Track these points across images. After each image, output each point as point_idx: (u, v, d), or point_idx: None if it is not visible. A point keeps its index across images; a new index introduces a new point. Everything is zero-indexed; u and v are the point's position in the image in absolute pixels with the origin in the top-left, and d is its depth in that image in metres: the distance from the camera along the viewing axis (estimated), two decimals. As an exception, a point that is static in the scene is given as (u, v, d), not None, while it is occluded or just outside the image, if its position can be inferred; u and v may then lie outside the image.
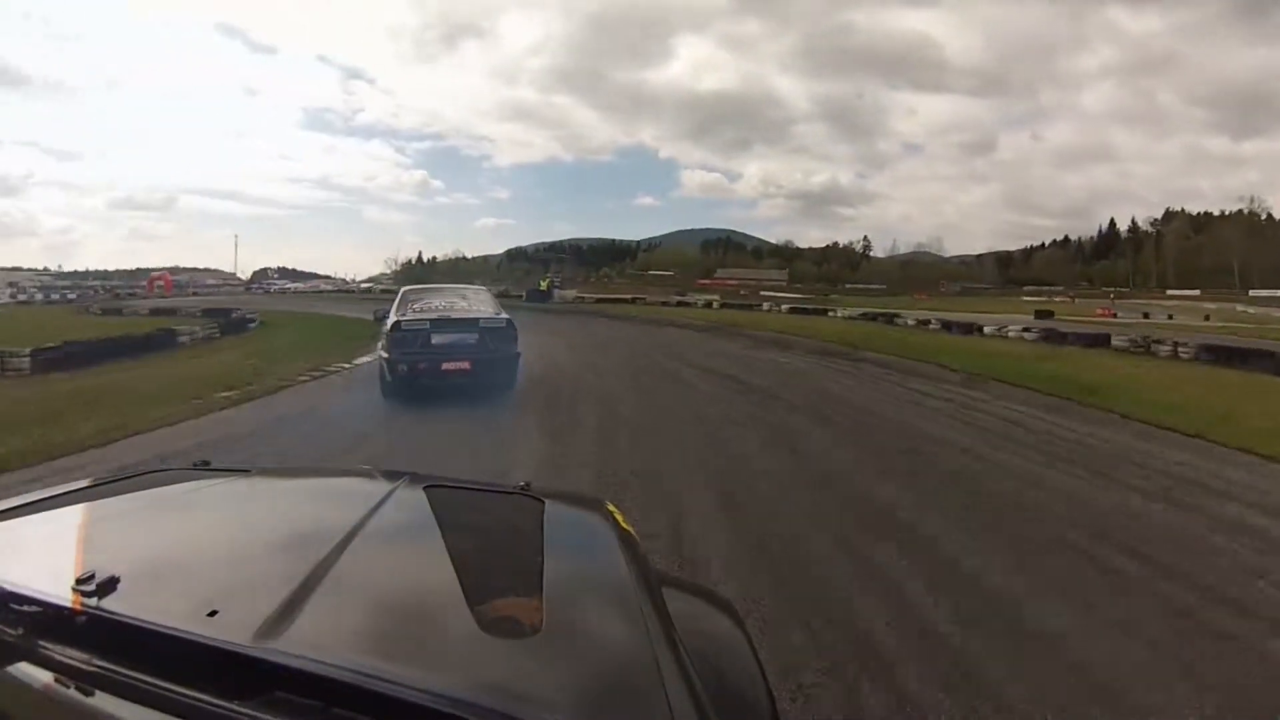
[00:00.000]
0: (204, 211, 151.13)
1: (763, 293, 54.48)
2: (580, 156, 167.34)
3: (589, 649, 0.88)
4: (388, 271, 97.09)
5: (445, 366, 7.60)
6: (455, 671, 0.77)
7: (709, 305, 40.36)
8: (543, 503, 1.30)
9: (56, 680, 0.74)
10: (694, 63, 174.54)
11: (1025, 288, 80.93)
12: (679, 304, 41.62)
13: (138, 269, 68.82)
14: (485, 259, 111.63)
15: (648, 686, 0.76)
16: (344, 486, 1.59)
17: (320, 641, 0.75)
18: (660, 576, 1.14)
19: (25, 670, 0.75)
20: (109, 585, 0.81)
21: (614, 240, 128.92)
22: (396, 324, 7.81)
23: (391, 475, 1.40)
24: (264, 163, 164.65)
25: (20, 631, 0.78)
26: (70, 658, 0.75)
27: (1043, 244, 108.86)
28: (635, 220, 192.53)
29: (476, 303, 8.79)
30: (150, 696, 0.70)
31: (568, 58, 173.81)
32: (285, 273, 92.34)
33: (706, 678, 0.84)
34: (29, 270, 68.78)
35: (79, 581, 0.80)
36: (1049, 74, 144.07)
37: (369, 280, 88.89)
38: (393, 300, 8.72)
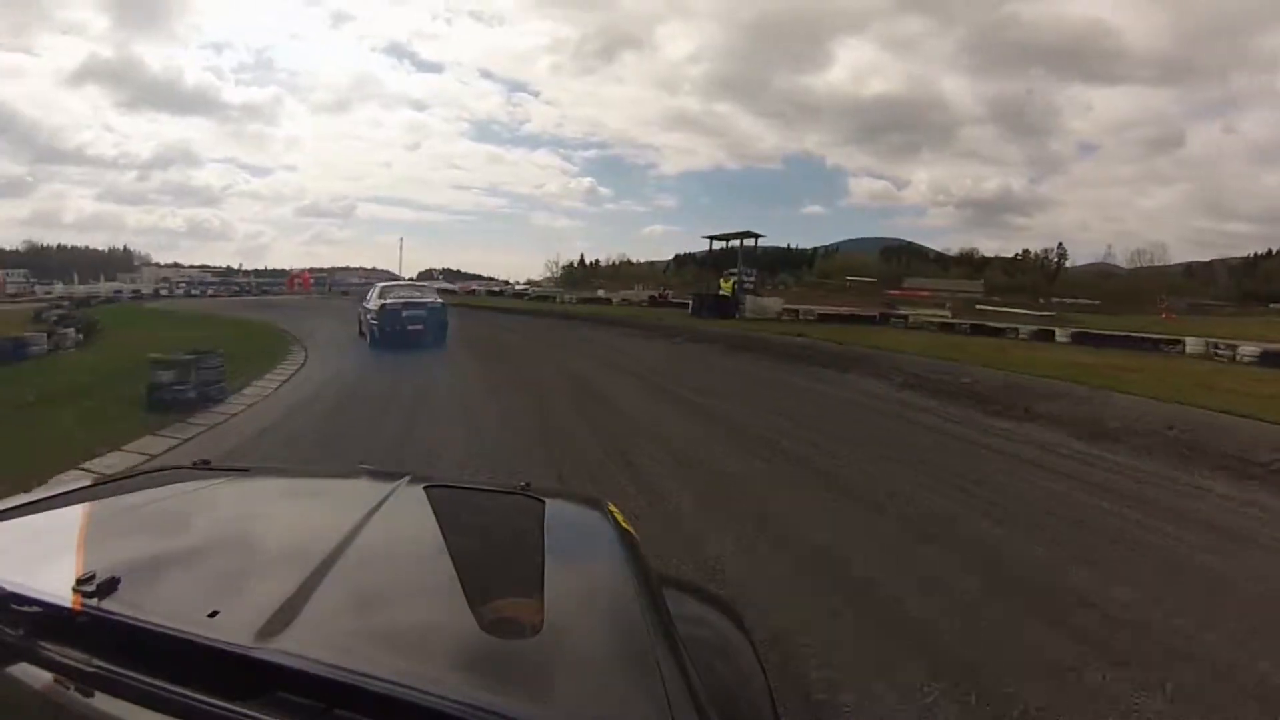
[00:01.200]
0: (379, 218, 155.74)
1: (981, 307, 40.02)
2: (746, 164, 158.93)
3: (589, 649, 0.88)
4: (550, 274, 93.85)
5: (410, 328, 13.58)
6: (455, 671, 0.77)
7: (944, 325, 24.87)
8: (543, 502, 1.30)
9: (56, 680, 0.74)
10: (854, 66, 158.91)
11: (1271, 305, 58.21)
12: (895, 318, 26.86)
13: (312, 268, 69.83)
14: (651, 264, 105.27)
15: (648, 686, 0.76)
16: (344, 486, 1.58)
17: (321, 642, 0.75)
18: (660, 577, 1.12)
19: (25, 670, 0.75)
20: (109, 585, 0.81)
21: (786, 247, 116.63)
22: (383, 305, 13.78)
23: (391, 475, 1.40)
24: (434, 172, 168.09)
25: (20, 631, 0.78)
26: (70, 658, 0.75)
27: (1269, 252, 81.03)
28: (803, 228, 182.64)
29: (427, 294, 15.57)
30: (151, 697, 0.70)
31: (726, 65, 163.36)
32: (449, 274, 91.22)
33: (706, 678, 0.84)
34: (216, 268, 71.70)
35: (79, 582, 0.80)
36: (1243, 54, 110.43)
37: (527, 282, 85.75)
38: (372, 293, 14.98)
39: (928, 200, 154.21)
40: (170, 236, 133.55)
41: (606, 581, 1.06)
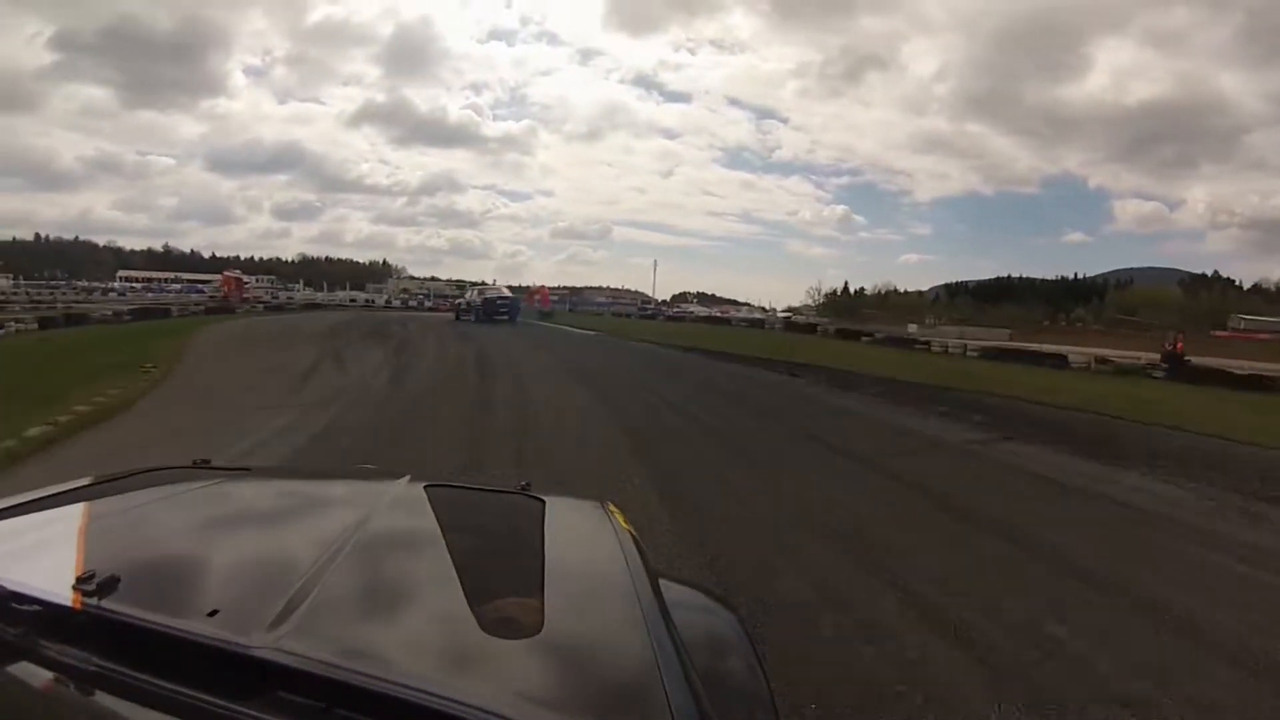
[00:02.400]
0: (633, 241, 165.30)
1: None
2: (1001, 188, 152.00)
3: (589, 649, 0.89)
4: (810, 302, 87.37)
5: (498, 313, 31.02)
6: (455, 671, 0.78)
7: None
8: (543, 503, 1.30)
9: (56, 680, 0.74)
10: (1116, 70, 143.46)
11: None
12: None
13: (562, 286, 75.48)
14: (919, 293, 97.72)
15: (648, 686, 0.76)
16: (344, 486, 1.59)
17: (320, 641, 0.75)
18: (660, 575, 1.11)
19: (25, 669, 0.75)
20: (109, 585, 0.80)
21: (1074, 278, 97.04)
22: (484, 297, 32.73)
23: (392, 475, 1.40)
24: (688, 198, 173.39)
25: (20, 631, 0.78)
26: (70, 657, 0.75)
27: None
28: (1065, 257, 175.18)
29: (504, 291, 35.26)
30: (151, 696, 0.70)
31: (975, 81, 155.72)
32: (703, 298, 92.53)
33: (706, 677, 0.85)
34: (470, 283, 77.80)
35: (79, 581, 0.80)
36: None
37: (787, 310, 79.14)
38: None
39: (1206, 222, 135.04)
40: (435, 254, 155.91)
41: (606, 581, 1.05)
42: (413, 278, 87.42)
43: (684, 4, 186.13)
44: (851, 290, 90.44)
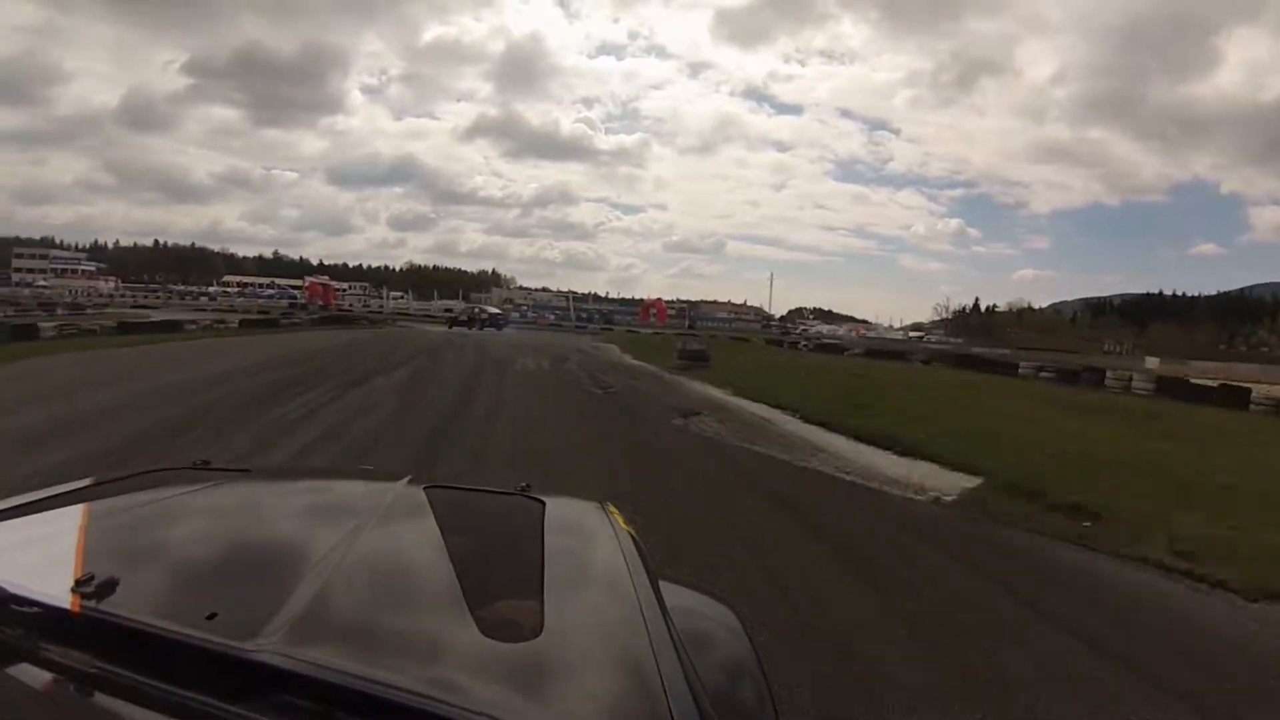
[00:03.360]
0: (747, 255, 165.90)
1: None
2: (1125, 197, 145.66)
3: (589, 651, 0.88)
4: (936, 318, 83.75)
5: (487, 326, 42.35)
6: (455, 673, 0.77)
7: None
8: (543, 504, 1.29)
9: (56, 680, 0.74)
10: (1248, 64, 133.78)
11: None
12: None
13: (680, 299, 76.71)
14: (1055, 311, 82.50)
15: (648, 687, 0.76)
16: (344, 488, 1.59)
17: (320, 644, 0.75)
18: (660, 576, 1.11)
19: (25, 670, 0.75)
20: (108, 587, 0.80)
21: (1242, 292, 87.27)
22: (468, 313, 47.32)
23: (392, 477, 1.40)
24: (801, 211, 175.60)
25: (20, 632, 0.78)
26: (70, 659, 0.75)
27: None
28: (1196, 270, 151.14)
29: (491, 309, 51.31)
30: (150, 699, 0.70)
31: (1095, 83, 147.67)
32: (820, 314, 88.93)
33: (706, 677, 0.85)
34: (580, 294, 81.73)
35: (79, 583, 0.80)
36: None
37: (911, 329, 77.45)
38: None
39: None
40: (548, 266, 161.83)
41: (606, 583, 1.05)
42: (523, 288, 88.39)
43: (792, 14, 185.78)
44: (982, 307, 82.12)
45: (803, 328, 66.69)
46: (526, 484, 1.39)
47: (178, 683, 0.71)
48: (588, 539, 1.26)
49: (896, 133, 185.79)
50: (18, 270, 68.32)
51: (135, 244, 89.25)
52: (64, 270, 69.84)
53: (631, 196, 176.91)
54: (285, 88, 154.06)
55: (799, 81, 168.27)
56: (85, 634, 0.77)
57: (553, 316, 63.43)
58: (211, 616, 0.78)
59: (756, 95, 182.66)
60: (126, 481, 1.35)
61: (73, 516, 1.12)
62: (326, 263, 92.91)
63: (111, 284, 65.81)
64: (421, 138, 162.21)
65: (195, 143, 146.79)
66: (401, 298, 70.01)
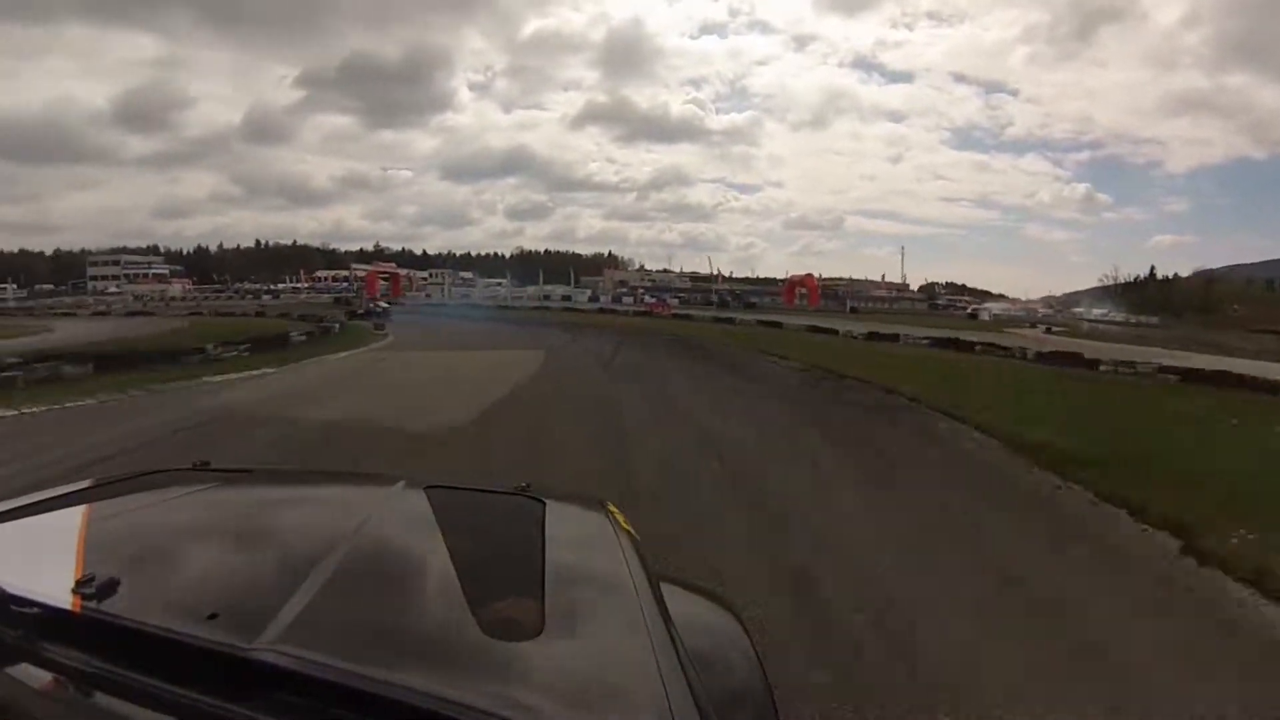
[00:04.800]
0: (867, 230, 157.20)
1: None
2: (1276, 150, 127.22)
3: (589, 650, 0.89)
4: (1097, 285, 72.19)
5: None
6: (456, 673, 0.77)
7: None
8: (543, 504, 1.29)
9: (57, 682, 0.74)
10: None
11: None
12: None
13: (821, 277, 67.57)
14: (1247, 281, 76.12)
15: (648, 687, 0.76)
16: (344, 488, 1.59)
17: (320, 644, 0.75)
18: (660, 576, 1.12)
19: (25, 671, 0.75)
20: (109, 587, 0.80)
21: None
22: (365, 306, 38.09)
23: (391, 477, 1.40)
24: (920, 184, 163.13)
25: (20, 632, 0.78)
26: (70, 659, 0.75)
27: None
28: None
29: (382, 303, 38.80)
30: (150, 699, 0.70)
31: (1234, 22, 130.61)
32: (952, 288, 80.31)
33: (706, 677, 0.84)
34: (701, 275, 76.04)
35: (79, 583, 0.80)
36: None
37: (1041, 301, 66.77)
38: None
39: None
40: (668, 248, 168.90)
41: (606, 582, 1.05)
42: (644, 270, 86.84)
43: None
44: (1159, 275, 69.88)
45: (972, 308, 58.02)
46: (527, 484, 1.38)
47: (178, 683, 0.71)
48: (588, 539, 1.25)
49: (1014, 94, 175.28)
50: (93, 278, 69.66)
51: (239, 245, 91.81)
52: (135, 275, 69.84)
53: (747, 175, 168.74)
54: (394, 91, 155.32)
55: (908, 47, 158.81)
56: (86, 634, 0.77)
57: (676, 301, 55.92)
58: (212, 617, 0.78)
59: (865, 65, 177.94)
60: (126, 482, 1.36)
61: (73, 517, 1.12)
62: (426, 252, 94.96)
63: (179, 286, 65.27)
64: (532, 128, 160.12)
65: (314, 150, 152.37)
66: (500, 284, 66.67)
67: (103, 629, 0.77)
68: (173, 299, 54.94)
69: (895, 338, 26.08)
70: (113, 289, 63.60)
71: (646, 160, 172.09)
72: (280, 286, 66.00)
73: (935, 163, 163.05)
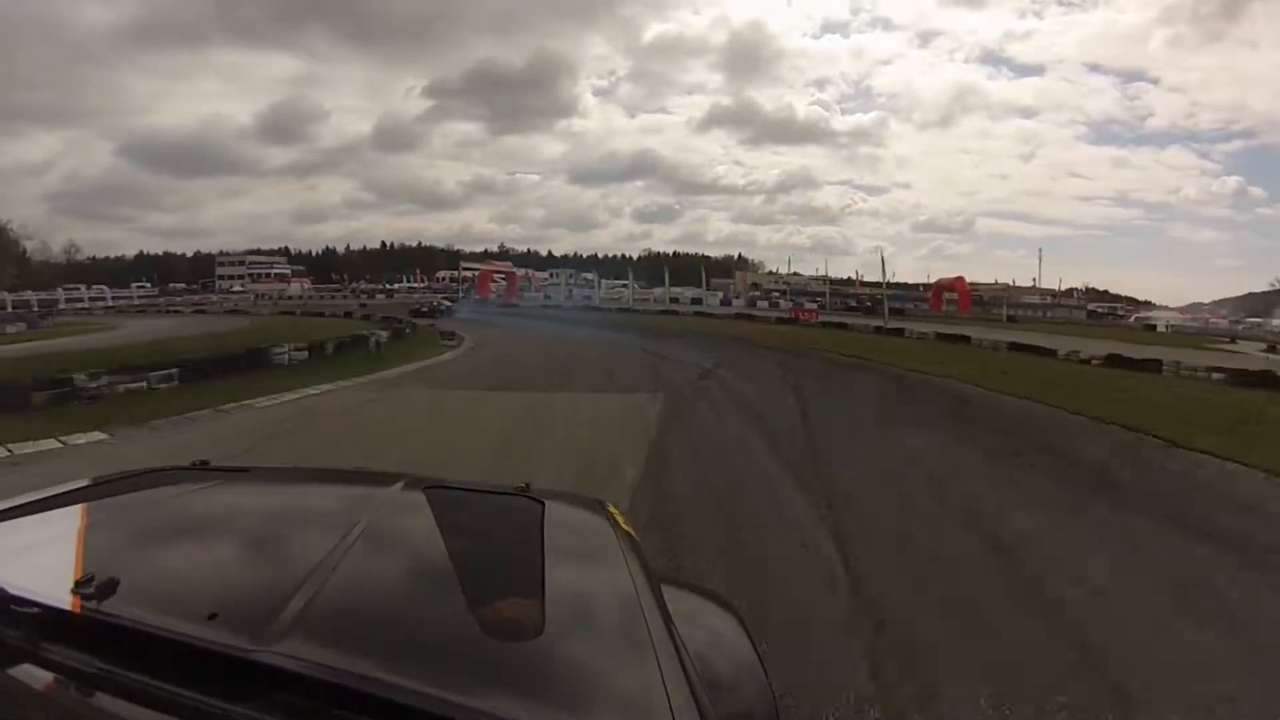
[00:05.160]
0: (998, 232, 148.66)
1: None
2: None
3: (590, 650, 0.88)
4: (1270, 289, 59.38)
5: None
6: (455, 673, 0.76)
7: None
8: (543, 504, 1.28)
9: (56, 681, 0.74)
10: None
11: None
12: None
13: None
14: None
15: (648, 686, 0.75)
16: (344, 488, 1.58)
17: (320, 644, 0.75)
18: (660, 576, 1.11)
19: (25, 671, 0.75)
20: (109, 587, 0.80)
21: None
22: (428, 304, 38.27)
23: (391, 477, 1.39)
24: (1054, 182, 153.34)
25: (20, 632, 0.78)
26: (70, 659, 0.75)
27: None
28: None
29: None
30: (150, 698, 0.70)
31: None
32: (1093, 294, 70.85)
33: (707, 677, 0.84)
34: (836, 280, 69.05)
35: (79, 584, 0.80)
36: None
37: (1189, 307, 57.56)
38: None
39: None
40: (797, 251, 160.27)
41: (606, 582, 1.05)
42: (772, 273, 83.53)
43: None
44: None
45: (1135, 317, 51.96)
46: (527, 484, 1.38)
47: (178, 683, 0.71)
48: (588, 539, 1.25)
49: (1155, 83, 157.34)
50: (221, 277, 71.68)
51: (364, 247, 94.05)
52: (258, 275, 71.17)
53: (874, 177, 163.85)
54: (520, 97, 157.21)
55: (1037, 38, 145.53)
56: (85, 634, 0.77)
57: (814, 306, 50.68)
58: (212, 617, 0.78)
59: (993, 59, 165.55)
60: (126, 481, 1.35)
61: (73, 516, 1.11)
62: (574, 255, 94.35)
63: (297, 285, 66.17)
64: (657, 132, 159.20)
65: (443, 156, 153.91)
66: (624, 286, 63.18)
67: (102, 629, 0.76)
68: (289, 297, 55.50)
69: (1158, 365, 17.57)
70: (237, 288, 64.85)
71: (773, 163, 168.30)
72: (395, 286, 65.35)
73: (1070, 159, 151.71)
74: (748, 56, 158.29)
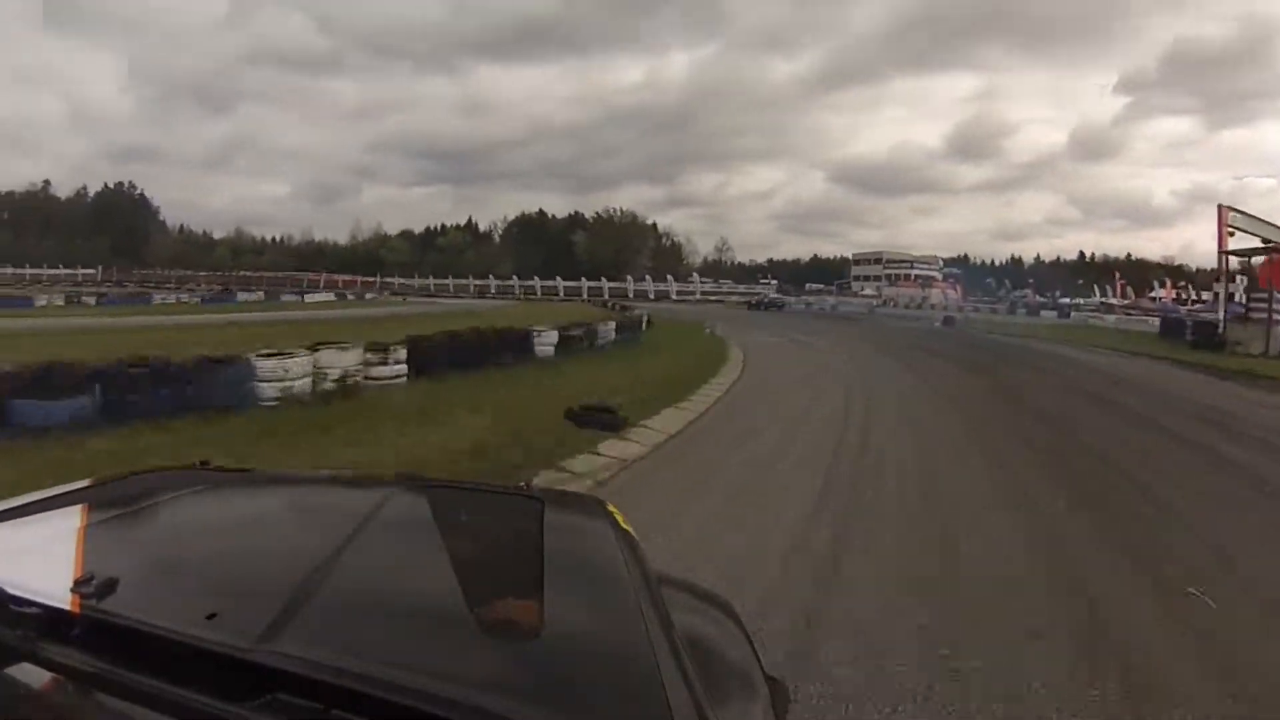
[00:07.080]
0: None
1: None
2: None
3: (588, 650, 0.88)
4: None
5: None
6: (455, 674, 0.76)
7: None
8: (542, 503, 1.28)
9: (56, 681, 0.74)
10: None
11: None
12: None
13: None
14: None
15: (647, 687, 0.76)
16: (343, 488, 1.58)
17: (320, 644, 0.75)
18: (660, 576, 1.11)
19: (24, 671, 0.75)
20: (108, 587, 0.80)
21: None
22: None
23: (391, 477, 1.42)
24: None
25: (20, 632, 0.78)
26: (69, 660, 0.75)
27: None
28: None
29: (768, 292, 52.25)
30: (149, 699, 0.70)
31: None
32: None
33: (706, 677, 0.84)
34: None
35: (78, 583, 0.80)
36: None
37: None
38: None
39: None
40: None
41: (606, 583, 1.05)
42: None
43: None
44: None
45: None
46: (526, 483, 1.40)
47: (178, 683, 0.71)
48: (587, 538, 1.25)
49: None
50: (855, 278, 71.00)
51: (1058, 258, 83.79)
52: (895, 276, 68.59)
53: None
54: (1232, 79, 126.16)
55: None
56: (85, 634, 0.77)
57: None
58: (212, 617, 0.78)
59: None
60: (126, 481, 1.35)
61: (73, 516, 1.11)
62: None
63: (938, 291, 60.39)
64: None
65: (1149, 163, 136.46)
66: None
67: (102, 628, 0.76)
68: (930, 305, 51.61)
69: None
70: (868, 289, 62.09)
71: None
72: (1080, 301, 54.86)
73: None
74: None
